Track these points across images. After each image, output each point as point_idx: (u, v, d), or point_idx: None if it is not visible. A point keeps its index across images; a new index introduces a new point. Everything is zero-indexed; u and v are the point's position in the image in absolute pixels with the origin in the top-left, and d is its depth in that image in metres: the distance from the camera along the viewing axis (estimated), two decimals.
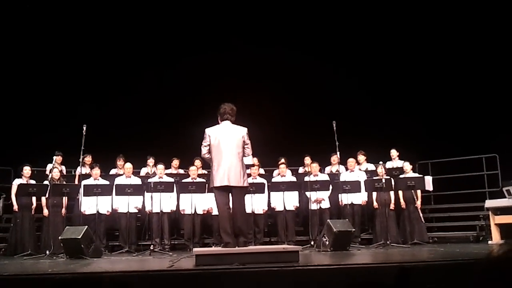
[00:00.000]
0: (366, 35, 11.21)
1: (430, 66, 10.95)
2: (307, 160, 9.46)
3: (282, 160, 9.23)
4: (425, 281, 4.31)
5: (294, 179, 9.00)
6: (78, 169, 8.58)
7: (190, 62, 10.98)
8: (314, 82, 11.02)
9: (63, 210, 8.22)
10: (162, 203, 8.23)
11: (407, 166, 8.87)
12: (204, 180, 8.43)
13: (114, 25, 10.90)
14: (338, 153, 8.24)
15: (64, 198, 8.11)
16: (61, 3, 10.72)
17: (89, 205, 8.26)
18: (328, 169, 9.50)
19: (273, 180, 8.96)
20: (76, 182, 8.60)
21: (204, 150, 5.73)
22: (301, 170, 9.69)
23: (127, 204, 8.15)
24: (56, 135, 9.79)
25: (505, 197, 8.40)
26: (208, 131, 5.71)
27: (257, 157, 8.82)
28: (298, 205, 8.80)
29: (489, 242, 8.31)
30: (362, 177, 8.80)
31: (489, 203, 8.56)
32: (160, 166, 8.67)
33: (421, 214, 8.76)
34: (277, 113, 10.98)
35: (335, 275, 4.46)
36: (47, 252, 7.46)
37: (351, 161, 8.98)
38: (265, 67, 10.96)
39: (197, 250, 5.59)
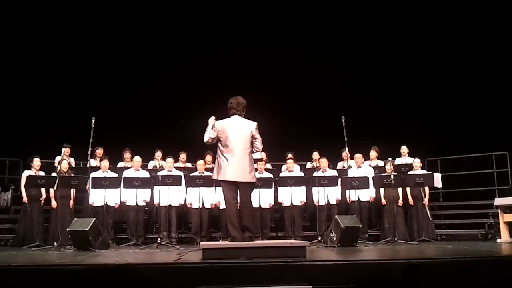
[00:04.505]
0: (376, 31, 11.13)
1: (440, 63, 10.86)
2: (316, 155, 9.41)
3: (290, 155, 9.19)
4: (432, 278, 4.29)
5: (302, 174, 8.97)
6: (92, 161, 8.59)
7: (199, 55, 10.95)
8: (324, 77, 10.96)
9: (71, 202, 8.25)
10: (170, 196, 8.25)
11: (417, 162, 8.80)
12: (212, 174, 8.37)
13: (122, 17, 10.90)
14: (347, 148, 8.21)
15: (72, 190, 8.16)
16: None
17: (97, 197, 8.29)
18: (340, 164, 9.44)
19: (281, 175, 8.93)
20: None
21: (206, 137, 5.67)
22: (309, 165, 9.67)
23: (135, 197, 8.18)
24: (64, 127, 9.83)
25: None
26: (216, 123, 5.66)
27: (265, 151, 8.78)
28: (305, 200, 8.78)
29: (498, 240, 8.27)
30: (370, 173, 8.74)
31: (498, 201, 8.51)
32: (169, 160, 8.66)
33: (429, 211, 8.70)
34: (286, 108, 10.96)
35: (342, 270, 4.45)
36: (55, 243, 7.51)
37: (358, 156, 8.93)
38: (275, 61, 10.91)
39: (204, 243, 5.59)
